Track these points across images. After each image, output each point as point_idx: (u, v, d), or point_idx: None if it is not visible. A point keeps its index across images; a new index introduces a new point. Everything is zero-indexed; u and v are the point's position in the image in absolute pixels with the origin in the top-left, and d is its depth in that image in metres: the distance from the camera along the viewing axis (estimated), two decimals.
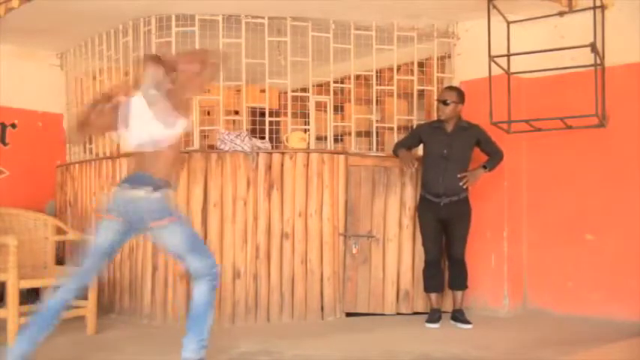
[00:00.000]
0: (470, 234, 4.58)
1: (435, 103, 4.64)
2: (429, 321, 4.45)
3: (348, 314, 4.72)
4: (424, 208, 4.53)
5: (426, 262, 4.58)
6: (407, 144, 4.65)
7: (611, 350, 3.70)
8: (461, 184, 4.38)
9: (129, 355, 3.69)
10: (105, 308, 4.80)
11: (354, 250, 4.64)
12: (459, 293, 4.55)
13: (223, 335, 4.13)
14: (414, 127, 4.95)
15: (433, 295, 4.57)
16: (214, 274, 3.21)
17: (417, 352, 3.70)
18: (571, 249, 4.73)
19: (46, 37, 5.33)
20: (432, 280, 4.56)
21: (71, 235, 4.57)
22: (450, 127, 4.48)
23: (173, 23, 4.64)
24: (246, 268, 4.51)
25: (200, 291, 3.20)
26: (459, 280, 4.54)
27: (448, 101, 4.43)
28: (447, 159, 4.40)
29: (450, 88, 4.60)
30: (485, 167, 4.46)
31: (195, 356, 3.17)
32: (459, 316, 4.48)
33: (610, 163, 4.59)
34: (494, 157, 4.49)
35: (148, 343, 3.96)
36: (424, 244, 4.59)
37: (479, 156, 4.56)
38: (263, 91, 4.91)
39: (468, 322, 4.41)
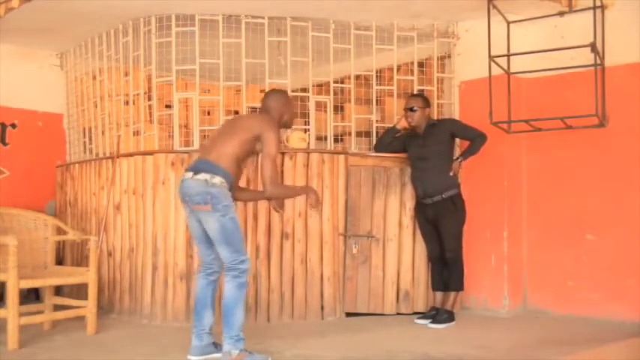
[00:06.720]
0: (469, 233, 4.57)
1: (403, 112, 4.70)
2: (421, 317, 4.56)
3: (348, 314, 4.72)
4: (416, 209, 4.75)
5: (428, 260, 4.75)
6: (392, 143, 4.82)
7: (611, 350, 3.70)
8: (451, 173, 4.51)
9: (129, 355, 3.68)
10: (105, 308, 4.80)
11: (354, 250, 4.64)
12: (449, 293, 4.53)
13: None
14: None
15: (435, 294, 4.64)
16: (241, 269, 3.32)
17: (417, 352, 3.70)
18: (571, 249, 4.73)
19: (46, 37, 5.33)
20: (433, 278, 4.67)
21: (71, 235, 4.57)
22: (421, 130, 4.61)
23: (173, 23, 4.65)
24: None
25: (227, 288, 3.33)
26: (449, 280, 4.53)
27: (415, 107, 4.56)
28: (422, 159, 4.57)
29: (415, 95, 4.74)
30: (457, 159, 4.56)
31: (232, 349, 3.30)
32: (435, 314, 4.48)
33: (610, 163, 4.59)
34: (474, 142, 4.51)
35: (148, 343, 3.96)
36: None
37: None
38: (263, 91, 4.89)
39: (440, 323, 4.39)
